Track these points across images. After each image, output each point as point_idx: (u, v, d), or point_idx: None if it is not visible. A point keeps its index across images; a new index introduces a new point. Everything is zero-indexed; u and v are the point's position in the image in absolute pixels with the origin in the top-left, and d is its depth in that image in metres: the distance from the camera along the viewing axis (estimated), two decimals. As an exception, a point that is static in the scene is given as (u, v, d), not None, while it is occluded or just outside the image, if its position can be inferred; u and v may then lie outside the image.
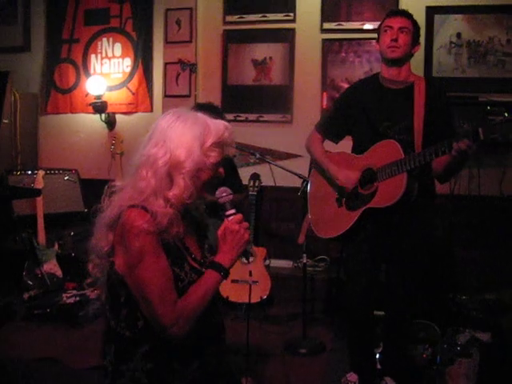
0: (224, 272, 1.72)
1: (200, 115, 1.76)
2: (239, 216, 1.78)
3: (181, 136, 1.68)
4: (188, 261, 1.74)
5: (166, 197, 1.66)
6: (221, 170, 1.80)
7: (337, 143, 3.09)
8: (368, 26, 4.71)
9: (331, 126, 3.05)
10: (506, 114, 2.32)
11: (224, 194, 1.83)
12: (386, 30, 2.80)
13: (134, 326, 1.68)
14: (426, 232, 2.88)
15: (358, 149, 2.93)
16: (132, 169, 1.73)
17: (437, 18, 4.56)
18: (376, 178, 2.73)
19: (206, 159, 1.71)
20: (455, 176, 2.71)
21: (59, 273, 4.36)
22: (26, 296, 4.07)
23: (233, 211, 1.80)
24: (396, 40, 2.75)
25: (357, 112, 2.90)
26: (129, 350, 1.68)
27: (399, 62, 2.79)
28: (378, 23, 2.90)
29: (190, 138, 1.68)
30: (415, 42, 2.82)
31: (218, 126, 1.75)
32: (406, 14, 2.83)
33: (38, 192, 4.33)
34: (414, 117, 2.73)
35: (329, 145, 3.10)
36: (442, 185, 2.93)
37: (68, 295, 4.01)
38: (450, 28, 4.56)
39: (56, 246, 4.45)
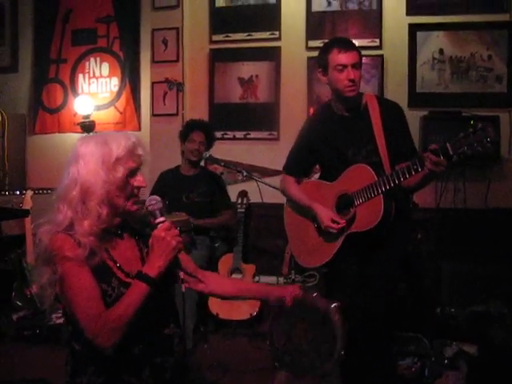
0: (149, 281, 1.72)
1: (100, 136, 1.82)
2: (167, 224, 1.79)
3: (84, 165, 1.75)
4: (117, 276, 1.78)
5: (83, 226, 1.72)
6: (138, 178, 1.82)
7: (309, 178, 3.11)
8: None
9: (299, 165, 3.03)
10: (472, 122, 2.38)
11: (153, 202, 1.83)
12: (340, 70, 2.70)
13: (79, 341, 1.76)
14: (400, 250, 2.89)
15: (328, 176, 2.91)
16: (54, 202, 1.80)
17: (419, 34, 4.64)
18: (353, 203, 2.73)
19: (113, 177, 1.75)
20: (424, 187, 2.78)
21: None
22: (15, 317, 4.05)
23: (162, 219, 1.80)
24: (353, 80, 2.70)
25: (319, 144, 2.89)
26: (82, 364, 1.78)
27: (355, 96, 2.78)
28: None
29: (92, 163, 1.75)
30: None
31: (118, 140, 1.79)
32: (353, 46, 2.75)
33: (26, 212, 4.32)
34: (375, 138, 2.73)
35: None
36: (427, 199, 2.96)
37: (57, 315, 3.98)
38: (432, 44, 4.64)
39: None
